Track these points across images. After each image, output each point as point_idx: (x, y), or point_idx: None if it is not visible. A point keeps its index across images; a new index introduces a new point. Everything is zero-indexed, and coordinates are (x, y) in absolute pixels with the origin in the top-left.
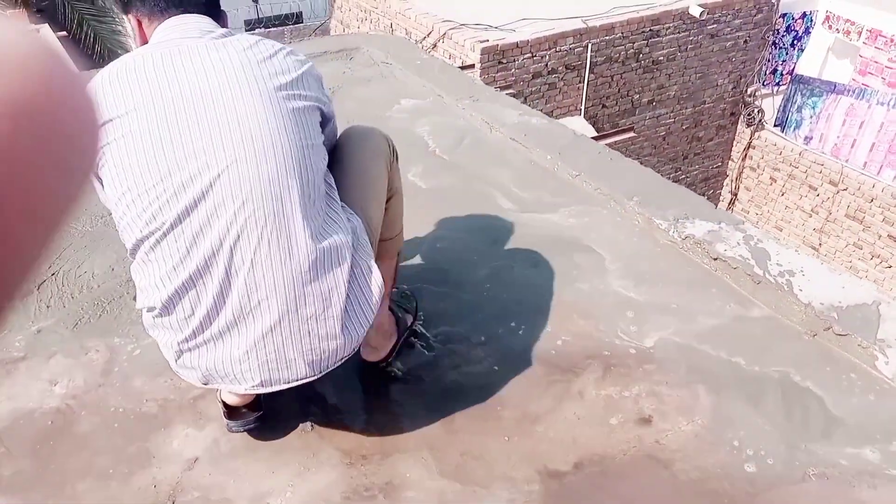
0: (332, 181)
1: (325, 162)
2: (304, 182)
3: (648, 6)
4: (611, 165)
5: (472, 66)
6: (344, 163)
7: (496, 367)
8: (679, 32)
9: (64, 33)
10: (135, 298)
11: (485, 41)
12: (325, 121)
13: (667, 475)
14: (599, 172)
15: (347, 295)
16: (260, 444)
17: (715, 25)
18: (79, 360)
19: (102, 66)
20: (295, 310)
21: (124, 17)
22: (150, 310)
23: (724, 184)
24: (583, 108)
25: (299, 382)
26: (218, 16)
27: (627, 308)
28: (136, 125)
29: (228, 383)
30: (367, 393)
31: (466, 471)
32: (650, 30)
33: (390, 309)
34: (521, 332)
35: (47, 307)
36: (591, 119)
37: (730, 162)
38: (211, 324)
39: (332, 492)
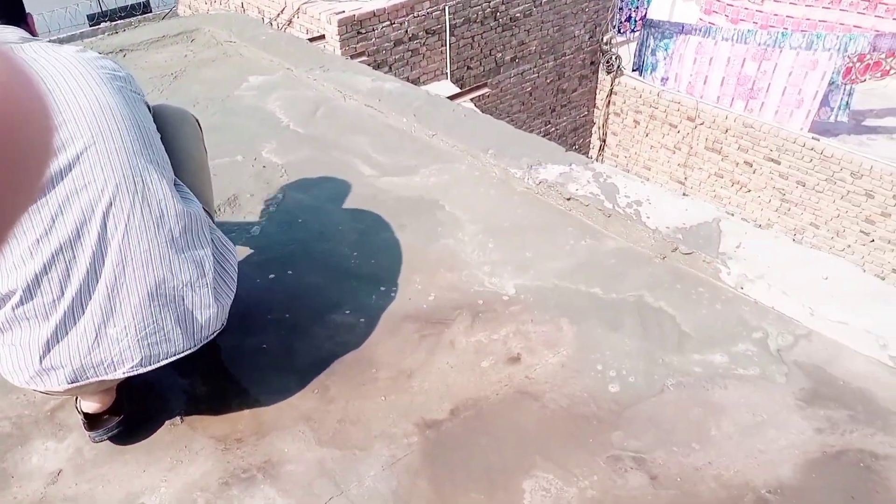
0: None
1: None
2: (156, 159)
3: None
4: (465, 122)
5: (322, 36)
6: (167, 146)
7: (369, 331)
8: None
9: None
10: None
11: (340, 12)
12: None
13: (537, 407)
14: (455, 130)
15: (215, 264)
16: (127, 448)
17: None
18: None
19: None
20: (171, 277)
21: None
22: (7, 298)
23: (593, 132)
24: (448, 71)
25: (178, 356)
26: (23, 25)
27: (490, 256)
28: None
29: (104, 372)
30: (238, 376)
31: (345, 436)
32: None
33: None
34: (392, 294)
35: None
36: (458, 82)
37: (595, 110)
38: (83, 302)
39: (208, 480)
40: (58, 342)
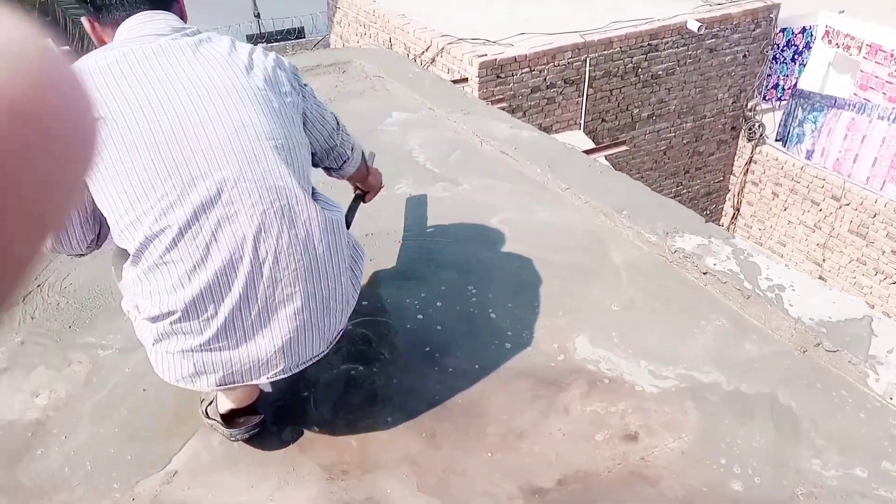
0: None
1: (310, 160)
2: (300, 174)
3: (646, 21)
4: (601, 179)
5: (466, 79)
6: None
7: (482, 382)
8: (678, 47)
9: (67, 47)
10: (126, 310)
11: (483, 55)
12: (306, 121)
13: (652, 493)
14: (589, 186)
15: (349, 270)
16: (240, 458)
17: (713, 40)
18: (61, 372)
19: None
20: (315, 292)
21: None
22: (166, 316)
23: (727, 199)
24: (582, 122)
25: (315, 359)
26: (177, 9)
27: (615, 322)
28: (126, 126)
29: (250, 378)
30: (349, 406)
31: (447, 487)
32: (648, 44)
33: None
34: (508, 346)
35: (31, 318)
36: (591, 133)
37: (731, 177)
38: (237, 320)
39: None
40: (210, 352)
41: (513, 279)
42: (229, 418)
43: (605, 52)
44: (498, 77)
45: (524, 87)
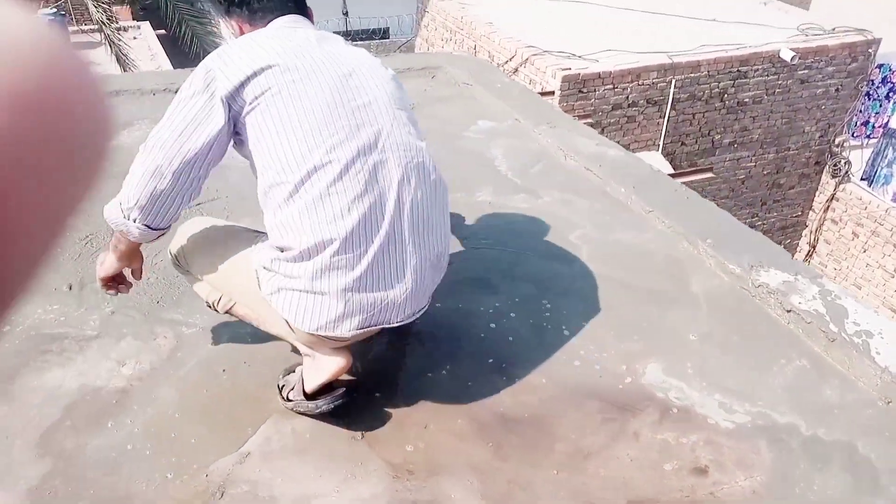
0: None
1: None
2: (426, 145)
3: (738, 46)
4: (686, 204)
5: (552, 92)
6: None
7: (551, 398)
8: (768, 75)
9: (163, 31)
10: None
11: (567, 69)
12: None
13: None
14: (674, 211)
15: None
16: (309, 448)
17: (806, 71)
18: (147, 344)
19: (197, 64)
20: (433, 247)
21: (225, 20)
22: (326, 245)
23: (803, 234)
24: (661, 143)
25: (419, 313)
26: (309, 16)
27: (691, 352)
28: (308, 71)
29: (385, 320)
30: (420, 407)
31: (512, 499)
32: (737, 70)
33: None
34: (577, 364)
35: None
36: (669, 156)
37: (810, 212)
38: (382, 259)
39: (376, 503)
40: (358, 293)
41: (589, 298)
42: (319, 389)
43: (692, 74)
44: (580, 92)
45: (605, 103)
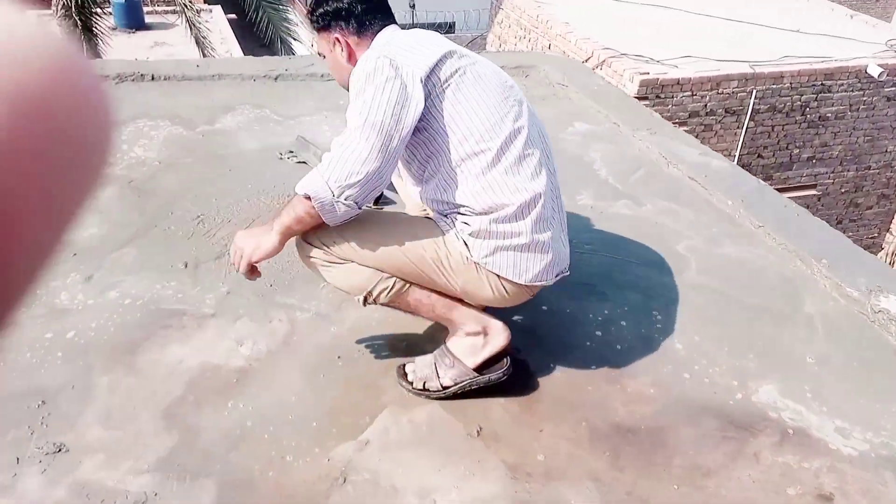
0: None
1: None
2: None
3: (823, 59)
4: (797, 222)
5: (647, 97)
6: None
7: (666, 411)
8: (853, 91)
9: (233, 15)
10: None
11: (645, 73)
12: None
13: None
14: (785, 228)
15: None
16: (427, 441)
17: (893, 88)
18: (263, 327)
19: (271, 50)
20: (563, 214)
21: (324, 35)
22: (535, 201)
23: (878, 256)
24: (737, 154)
25: (562, 275)
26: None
27: (808, 375)
28: (477, 61)
29: (563, 268)
30: (534, 410)
31: None
32: (821, 84)
33: None
34: (692, 378)
35: (237, 271)
36: (745, 168)
37: (888, 234)
38: (556, 214)
39: (496, 502)
40: (555, 241)
41: (700, 311)
42: (489, 361)
43: (774, 86)
44: (657, 97)
45: (683, 110)
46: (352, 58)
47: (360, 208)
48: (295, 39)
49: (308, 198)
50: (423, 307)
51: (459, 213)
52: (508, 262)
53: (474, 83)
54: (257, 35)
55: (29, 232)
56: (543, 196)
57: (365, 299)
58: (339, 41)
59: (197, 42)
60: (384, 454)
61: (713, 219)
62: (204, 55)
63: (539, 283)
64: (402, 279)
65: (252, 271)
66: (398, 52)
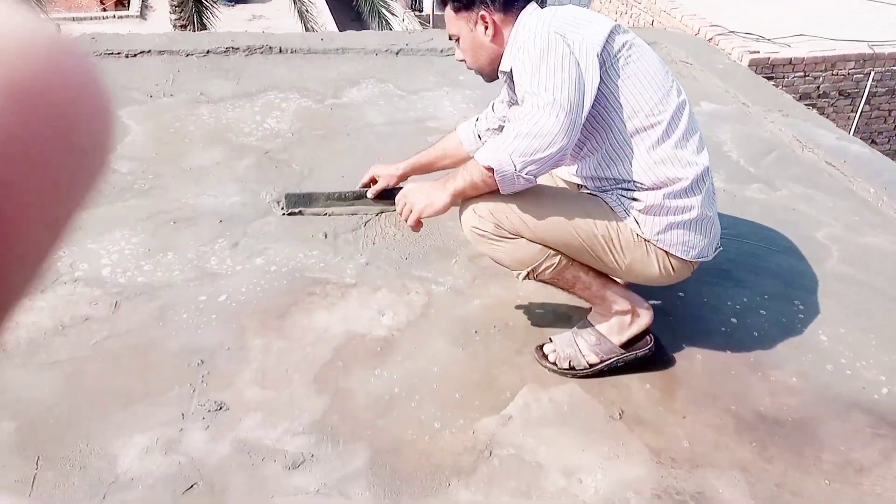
0: None
1: None
2: None
3: None
4: None
5: (772, 78)
6: None
7: (813, 404)
8: None
9: None
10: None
11: (755, 52)
12: None
13: None
14: None
15: None
16: (568, 419)
17: None
18: (401, 297)
19: (365, 24)
20: None
21: (463, 14)
22: (705, 176)
23: None
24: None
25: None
26: None
27: None
28: (632, 34)
29: (718, 247)
30: (677, 395)
31: (781, 503)
32: None
33: None
34: (836, 371)
35: (373, 244)
36: None
37: None
38: (715, 194)
39: (642, 485)
40: (716, 217)
41: (845, 302)
42: (634, 338)
43: (894, 67)
44: (768, 78)
45: (793, 91)
46: (497, 36)
47: (535, 182)
48: (392, 14)
49: (489, 169)
50: (579, 284)
51: (626, 189)
52: (679, 238)
53: (640, 57)
54: (350, 8)
55: (25, 227)
56: (709, 169)
57: (528, 275)
58: (484, 19)
59: (301, 16)
60: (527, 430)
61: (853, 206)
62: (306, 29)
63: (701, 259)
64: (567, 256)
65: (419, 226)
66: (566, 27)
